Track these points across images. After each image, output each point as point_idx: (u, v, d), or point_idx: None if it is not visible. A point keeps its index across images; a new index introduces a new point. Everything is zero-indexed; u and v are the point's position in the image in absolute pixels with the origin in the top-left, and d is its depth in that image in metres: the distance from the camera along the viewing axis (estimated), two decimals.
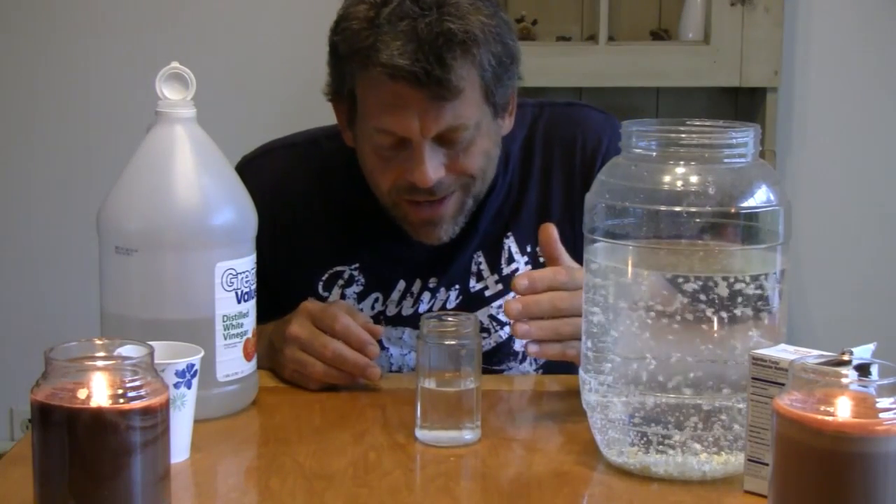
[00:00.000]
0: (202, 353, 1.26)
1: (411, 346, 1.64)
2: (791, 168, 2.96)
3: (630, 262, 1.20)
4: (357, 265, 1.64)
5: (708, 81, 2.79)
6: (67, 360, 1.04)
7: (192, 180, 1.34)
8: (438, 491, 1.19)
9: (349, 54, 1.49)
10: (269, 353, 1.51)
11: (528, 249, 1.65)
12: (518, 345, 1.64)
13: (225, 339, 1.35)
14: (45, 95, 3.02)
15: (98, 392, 1.01)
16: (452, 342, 1.28)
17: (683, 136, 1.20)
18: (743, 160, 1.20)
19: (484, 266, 1.64)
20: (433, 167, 1.50)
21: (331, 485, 1.19)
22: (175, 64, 1.36)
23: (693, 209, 1.17)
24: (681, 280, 1.16)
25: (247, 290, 1.37)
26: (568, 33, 2.96)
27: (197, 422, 1.29)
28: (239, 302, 1.36)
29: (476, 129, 1.52)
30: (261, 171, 1.66)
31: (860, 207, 2.99)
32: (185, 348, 1.26)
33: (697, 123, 1.24)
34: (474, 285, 1.64)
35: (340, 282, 1.64)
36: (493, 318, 1.64)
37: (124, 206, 1.35)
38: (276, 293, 1.59)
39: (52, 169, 3.02)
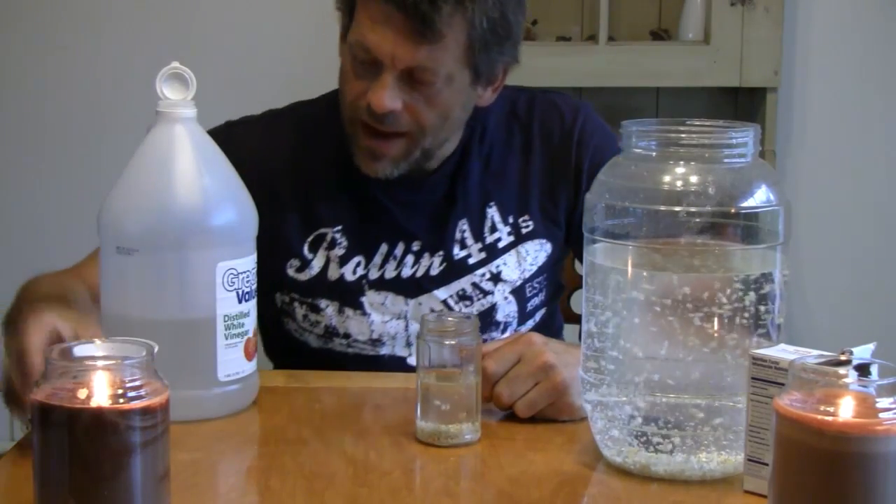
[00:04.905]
0: None
1: (393, 314, 1.65)
2: (791, 168, 2.96)
3: (630, 262, 1.20)
4: (340, 227, 1.66)
5: (708, 81, 2.79)
6: (67, 360, 1.04)
7: (193, 180, 1.34)
8: (438, 491, 1.19)
9: None
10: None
11: (511, 220, 1.68)
12: (500, 315, 1.68)
13: (226, 338, 1.35)
14: (46, 95, 3.01)
15: (98, 392, 1.01)
16: (452, 342, 1.28)
17: (683, 136, 1.21)
18: (743, 160, 1.20)
19: (468, 234, 1.67)
20: (391, 96, 1.52)
21: (331, 485, 1.19)
22: (175, 64, 1.36)
23: (693, 209, 1.17)
24: (680, 280, 1.16)
25: (247, 289, 1.37)
26: (568, 33, 2.96)
27: (197, 422, 1.29)
28: (240, 302, 1.36)
29: (446, 82, 1.55)
30: (245, 134, 1.69)
31: (860, 207, 2.99)
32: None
33: (697, 123, 1.24)
34: (458, 252, 1.66)
35: (324, 244, 1.66)
36: (476, 286, 1.66)
37: (125, 207, 1.35)
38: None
39: (52, 169, 3.02)
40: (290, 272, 1.66)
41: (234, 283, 1.35)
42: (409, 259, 1.65)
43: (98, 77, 2.99)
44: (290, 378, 1.55)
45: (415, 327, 1.64)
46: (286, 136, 1.70)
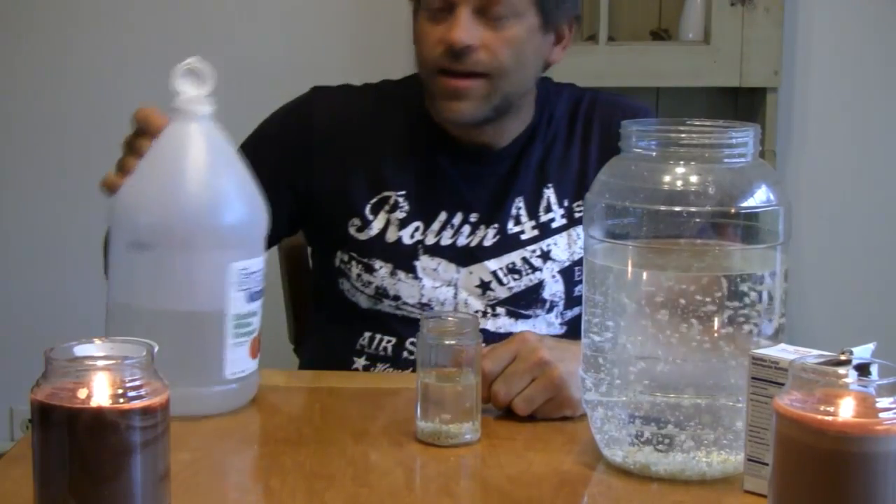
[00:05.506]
0: None
1: (444, 280, 1.71)
2: (791, 168, 2.96)
3: (630, 262, 1.20)
4: (404, 192, 1.73)
5: (708, 81, 2.79)
6: (67, 360, 1.04)
7: (206, 178, 1.34)
8: (438, 491, 1.19)
9: None
10: None
11: (566, 204, 1.75)
12: (547, 293, 1.73)
13: (234, 337, 1.35)
14: (56, 94, 3.01)
15: (98, 392, 1.01)
16: (452, 342, 1.28)
17: (683, 136, 1.21)
18: (743, 160, 1.21)
19: (523, 211, 1.74)
20: (467, 30, 1.63)
21: (331, 485, 1.19)
22: (191, 59, 1.35)
23: (693, 209, 1.17)
24: (681, 280, 1.16)
25: (257, 289, 1.37)
26: None
27: (198, 420, 1.29)
28: (249, 301, 1.36)
29: (516, 18, 1.66)
30: (330, 98, 1.80)
31: (860, 207, 2.99)
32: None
33: (697, 123, 1.24)
34: (512, 228, 1.74)
35: (387, 207, 1.73)
36: (525, 260, 1.73)
37: (138, 203, 1.34)
38: (318, 212, 1.75)
39: (56, 169, 3.02)
40: (352, 231, 1.73)
41: (245, 283, 1.35)
42: (466, 229, 1.73)
43: (110, 74, 2.99)
44: (290, 378, 1.56)
45: (463, 296, 1.71)
46: (364, 104, 1.79)
